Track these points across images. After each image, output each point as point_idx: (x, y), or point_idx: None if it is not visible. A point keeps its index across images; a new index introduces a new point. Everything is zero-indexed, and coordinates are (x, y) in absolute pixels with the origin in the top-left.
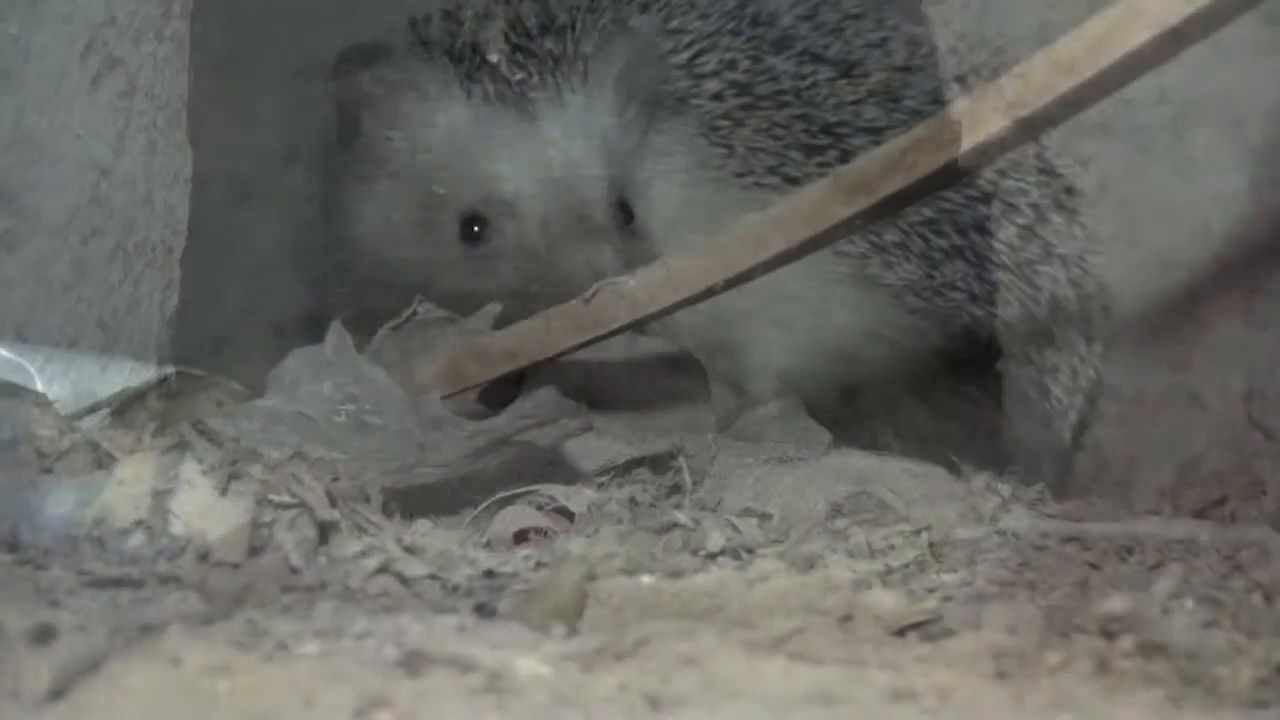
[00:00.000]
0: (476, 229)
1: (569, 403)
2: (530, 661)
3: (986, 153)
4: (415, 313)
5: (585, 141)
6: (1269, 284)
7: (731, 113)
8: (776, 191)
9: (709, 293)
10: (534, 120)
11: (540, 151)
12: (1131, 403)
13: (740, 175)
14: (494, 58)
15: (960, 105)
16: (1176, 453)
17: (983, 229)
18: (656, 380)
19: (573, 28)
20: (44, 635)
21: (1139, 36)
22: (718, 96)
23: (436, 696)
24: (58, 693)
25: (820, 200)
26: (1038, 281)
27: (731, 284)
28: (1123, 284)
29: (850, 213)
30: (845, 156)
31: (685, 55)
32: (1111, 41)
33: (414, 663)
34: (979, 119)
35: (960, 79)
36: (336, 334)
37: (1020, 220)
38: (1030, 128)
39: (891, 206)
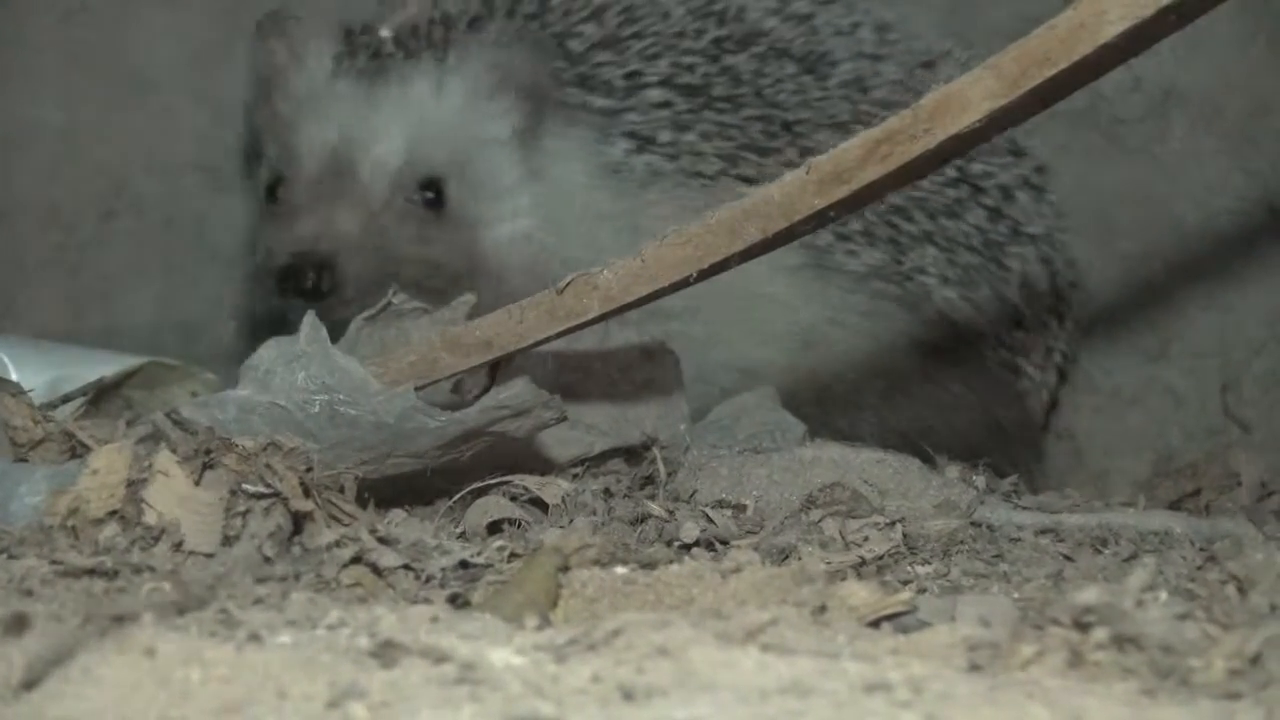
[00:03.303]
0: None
1: (543, 393)
2: (504, 652)
3: (962, 144)
4: (390, 303)
5: (398, 114)
6: (1244, 276)
7: (678, 118)
8: (728, 192)
9: (684, 284)
10: (367, 91)
11: (342, 116)
12: (1107, 395)
13: (685, 176)
14: (385, 32)
15: (935, 96)
16: (1152, 445)
17: (952, 213)
18: (631, 371)
19: (469, 17)
20: (17, 625)
21: (1114, 28)
22: (663, 105)
23: (409, 687)
24: (30, 683)
25: (795, 191)
26: (1007, 262)
27: (705, 275)
28: (1098, 276)
29: (825, 203)
30: (802, 154)
31: (630, 67)
32: (1086, 32)
33: (387, 653)
34: (953, 110)
35: (928, 64)
36: (311, 324)
37: (987, 202)
38: (1005, 119)
39: (867, 198)
